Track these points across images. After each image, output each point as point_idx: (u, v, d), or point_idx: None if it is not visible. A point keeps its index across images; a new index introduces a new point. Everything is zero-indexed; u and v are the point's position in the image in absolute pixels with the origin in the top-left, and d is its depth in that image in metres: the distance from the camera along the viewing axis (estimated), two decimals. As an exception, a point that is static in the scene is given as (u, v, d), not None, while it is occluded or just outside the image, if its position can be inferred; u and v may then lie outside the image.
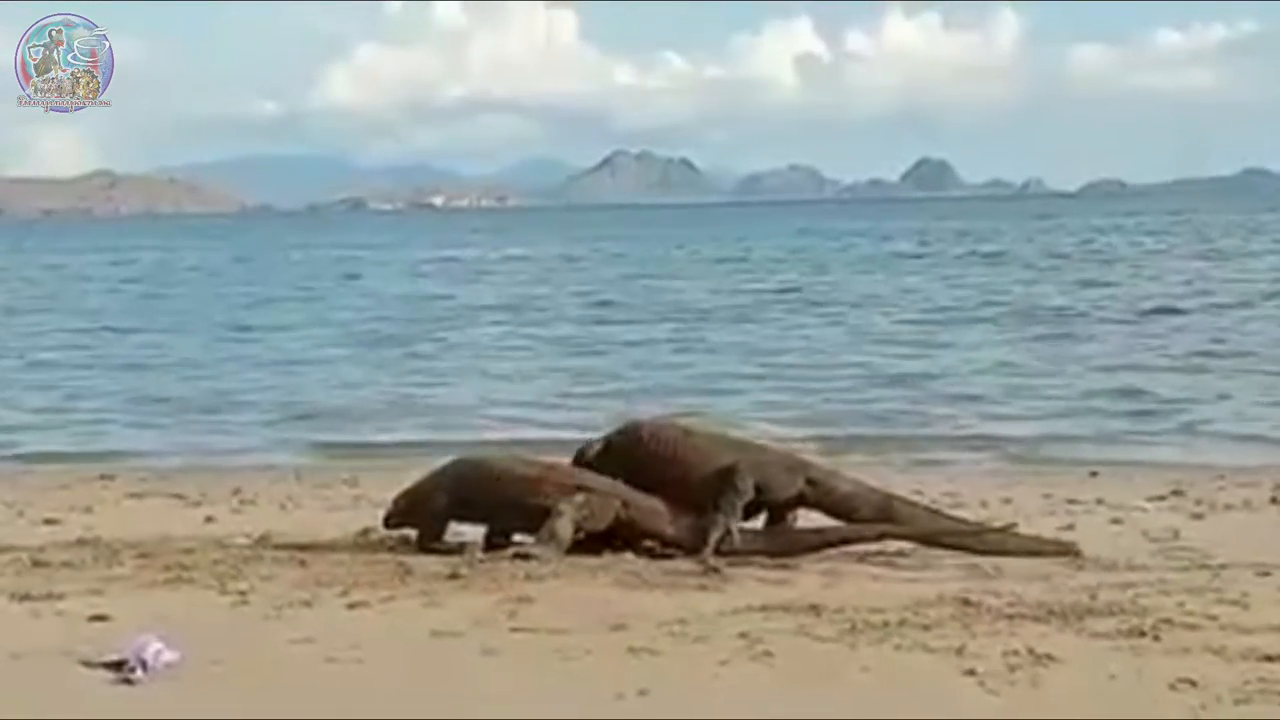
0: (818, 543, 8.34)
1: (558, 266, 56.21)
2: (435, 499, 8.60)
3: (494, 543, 8.45)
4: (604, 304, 35.38)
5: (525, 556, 8.02)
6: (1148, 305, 30.39)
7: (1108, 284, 37.24)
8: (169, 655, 6.13)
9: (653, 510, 8.34)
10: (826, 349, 24.20)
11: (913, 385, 19.22)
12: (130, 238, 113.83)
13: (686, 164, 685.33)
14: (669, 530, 8.31)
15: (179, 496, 11.20)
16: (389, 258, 67.16)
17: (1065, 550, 8.33)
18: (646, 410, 14.90)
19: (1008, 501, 10.36)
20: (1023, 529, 9.21)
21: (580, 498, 8.25)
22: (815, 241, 73.27)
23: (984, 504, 10.28)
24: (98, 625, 6.82)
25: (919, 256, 55.72)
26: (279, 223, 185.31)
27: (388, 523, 8.76)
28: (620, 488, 8.40)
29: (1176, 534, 9.02)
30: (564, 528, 8.16)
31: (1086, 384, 19.00)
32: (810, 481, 8.53)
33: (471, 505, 8.54)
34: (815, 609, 6.88)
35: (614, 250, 69.54)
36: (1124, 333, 25.47)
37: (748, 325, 29.04)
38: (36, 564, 8.24)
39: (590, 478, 8.46)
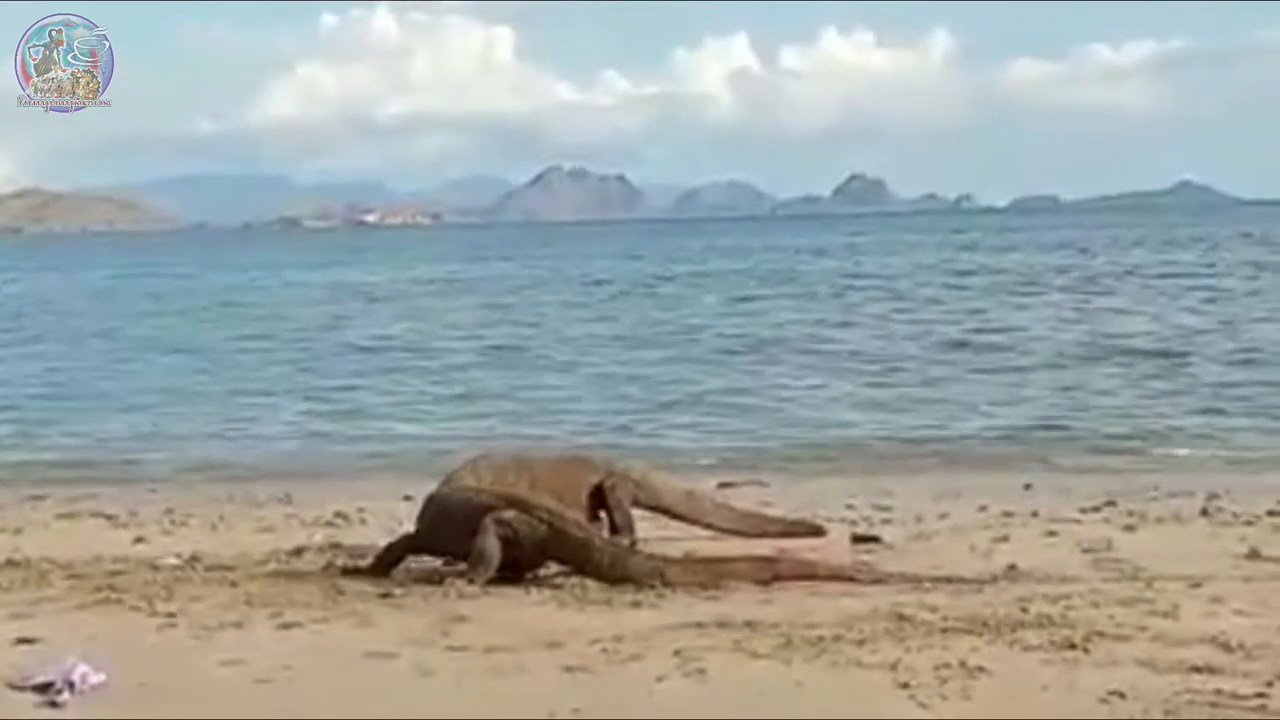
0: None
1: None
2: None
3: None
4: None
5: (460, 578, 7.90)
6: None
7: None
8: (96, 677, 6.08)
9: (582, 528, 8.04)
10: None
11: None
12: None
13: (622, 180, 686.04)
14: (597, 549, 7.95)
15: (109, 517, 11.07)
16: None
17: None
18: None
19: (944, 516, 10.38)
20: (953, 542, 9.25)
21: (510, 514, 7.96)
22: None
23: (919, 518, 10.31)
24: (25, 648, 6.73)
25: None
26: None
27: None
28: (561, 510, 8.09)
29: (1109, 545, 9.08)
30: (489, 547, 7.91)
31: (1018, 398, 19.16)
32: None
33: (437, 535, 8.29)
34: (750, 625, 6.88)
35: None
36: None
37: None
38: (-36, 587, 8.13)
39: (522, 496, 8.15)
